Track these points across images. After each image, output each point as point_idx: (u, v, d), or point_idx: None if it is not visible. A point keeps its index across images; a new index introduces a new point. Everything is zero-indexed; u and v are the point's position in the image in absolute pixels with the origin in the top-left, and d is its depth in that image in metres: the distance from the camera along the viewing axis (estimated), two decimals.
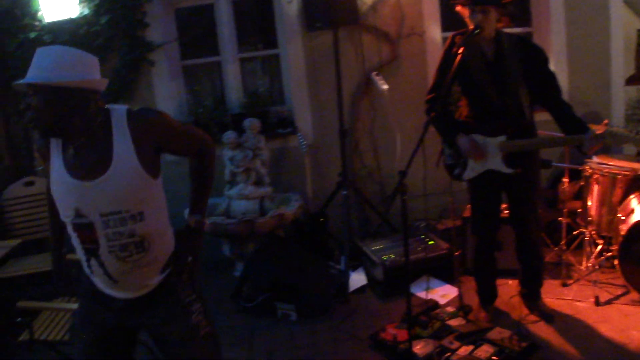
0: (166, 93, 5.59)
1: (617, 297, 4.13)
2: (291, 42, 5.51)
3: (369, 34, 5.46)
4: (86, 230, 2.15)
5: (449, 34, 3.75)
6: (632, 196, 4.27)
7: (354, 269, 4.99)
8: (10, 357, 4.11)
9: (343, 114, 5.24)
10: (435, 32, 5.48)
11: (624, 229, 4.08)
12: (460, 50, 3.36)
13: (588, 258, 4.48)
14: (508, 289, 4.37)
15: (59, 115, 2.08)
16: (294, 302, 4.35)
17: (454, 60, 3.36)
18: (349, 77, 5.48)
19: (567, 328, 3.81)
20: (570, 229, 4.69)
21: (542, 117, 3.79)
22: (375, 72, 5.41)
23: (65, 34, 5.20)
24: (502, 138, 3.60)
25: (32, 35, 5.21)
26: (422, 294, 4.39)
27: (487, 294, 4.09)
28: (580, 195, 4.67)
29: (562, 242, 4.60)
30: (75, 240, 2.23)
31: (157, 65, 5.50)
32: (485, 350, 3.49)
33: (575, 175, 4.74)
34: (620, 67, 5.54)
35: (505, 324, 3.84)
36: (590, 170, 4.42)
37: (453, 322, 3.90)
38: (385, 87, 5.26)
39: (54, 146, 2.19)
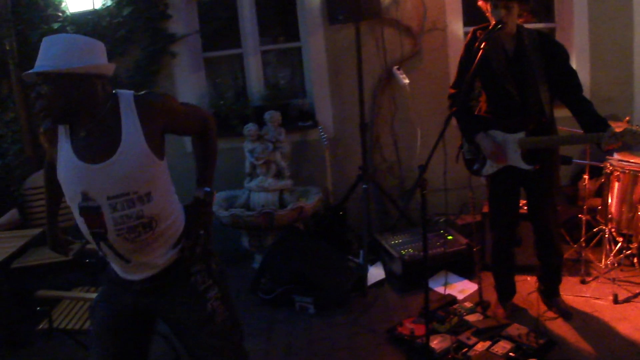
0: (187, 85, 5.61)
1: (636, 295, 4.10)
2: (313, 35, 5.51)
3: (391, 28, 5.46)
4: (93, 214, 2.18)
5: (471, 29, 3.74)
6: None
7: (373, 262, 5.01)
8: (29, 345, 4.16)
9: (364, 107, 5.22)
10: (457, 27, 5.46)
11: None
12: (482, 45, 3.34)
13: (607, 256, 4.45)
14: (526, 285, 4.36)
15: (70, 102, 2.12)
16: (312, 295, 4.38)
17: (476, 55, 3.34)
18: (370, 71, 5.47)
19: (585, 325, 3.79)
20: (590, 226, 4.67)
21: (562, 113, 3.76)
22: (396, 66, 5.39)
23: (87, 25, 5.25)
24: (521, 134, 3.58)
25: (56, 26, 5.24)
26: (440, 289, 4.41)
27: (506, 290, 4.08)
28: (601, 192, 4.64)
29: (582, 239, 4.59)
30: (82, 227, 2.25)
31: (179, 57, 5.51)
32: (502, 346, 3.48)
33: (596, 172, 4.71)
34: None
35: (523, 321, 3.83)
36: (611, 168, 4.38)
37: (471, 318, 3.91)
38: (407, 81, 5.25)
39: (62, 131, 2.23)
